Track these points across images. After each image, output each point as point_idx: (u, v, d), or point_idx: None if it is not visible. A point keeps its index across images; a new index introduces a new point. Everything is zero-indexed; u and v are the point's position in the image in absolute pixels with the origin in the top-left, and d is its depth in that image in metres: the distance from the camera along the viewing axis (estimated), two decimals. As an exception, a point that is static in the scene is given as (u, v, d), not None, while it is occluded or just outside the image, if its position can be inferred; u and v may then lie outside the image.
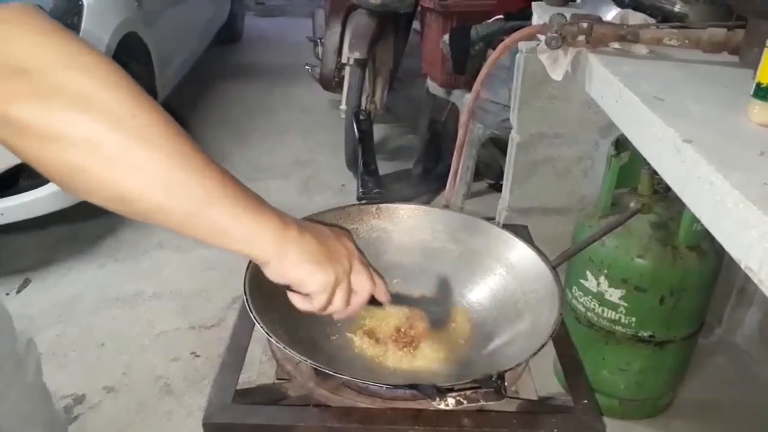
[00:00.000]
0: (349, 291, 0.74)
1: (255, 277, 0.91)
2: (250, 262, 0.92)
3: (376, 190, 2.63)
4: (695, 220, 1.41)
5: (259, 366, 0.99)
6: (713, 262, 1.55)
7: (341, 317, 0.78)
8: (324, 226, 0.75)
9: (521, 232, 1.12)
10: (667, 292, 1.53)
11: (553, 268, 0.97)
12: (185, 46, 3.77)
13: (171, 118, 0.59)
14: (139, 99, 0.57)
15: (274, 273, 0.69)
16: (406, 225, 1.12)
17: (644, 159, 0.93)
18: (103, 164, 0.55)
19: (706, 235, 0.76)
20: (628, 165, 1.57)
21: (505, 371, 0.81)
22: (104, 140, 0.54)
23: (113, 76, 0.56)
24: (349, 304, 0.75)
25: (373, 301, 0.79)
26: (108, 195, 0.57)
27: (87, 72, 0.55)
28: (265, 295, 0.90)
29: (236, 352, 0.94)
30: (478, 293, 1.04)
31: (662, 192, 1.57)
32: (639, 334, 1.60)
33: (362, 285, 0.75)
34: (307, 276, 0.70)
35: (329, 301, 0.73)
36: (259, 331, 0.83)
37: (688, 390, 1.86)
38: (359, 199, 2.60)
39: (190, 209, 0.60)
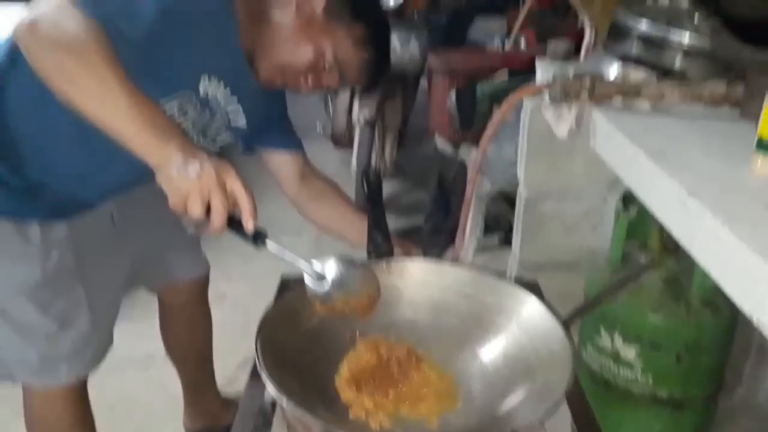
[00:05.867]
0: (204, 197, 0.86)
1: (265, 339, 0.91)
2: (261, 322, 0.93)
3: (385, 246, 2.62)
4: (707, 274, 1.39)
5: (272, 429, 0.98)
6: (728, 317, 1.52)
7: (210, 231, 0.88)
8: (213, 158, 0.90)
9: (532, 287, 1.12)
10: (682, 348, 1.50)
11: (566, 324, 0.96)
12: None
13: None
14: None
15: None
16: (416, 280, 1.12)
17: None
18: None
19: (720, 289, 0.75)
20: (638, 219, 1.57)
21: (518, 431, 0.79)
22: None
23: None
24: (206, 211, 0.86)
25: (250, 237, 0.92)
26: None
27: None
28: (274, 357, 0.89)
29: (247, 417, 0.93)
30: (490, 350, 1.03)
31: (673, 247, 1.56)
32: (656, 394, 1.56)
33: (215, 195, 0.87)
34: (165, 184, 0.86)
35: (184, 205, 0.85)
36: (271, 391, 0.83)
37: (711, 454, 1.79)
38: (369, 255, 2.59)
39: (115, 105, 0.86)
